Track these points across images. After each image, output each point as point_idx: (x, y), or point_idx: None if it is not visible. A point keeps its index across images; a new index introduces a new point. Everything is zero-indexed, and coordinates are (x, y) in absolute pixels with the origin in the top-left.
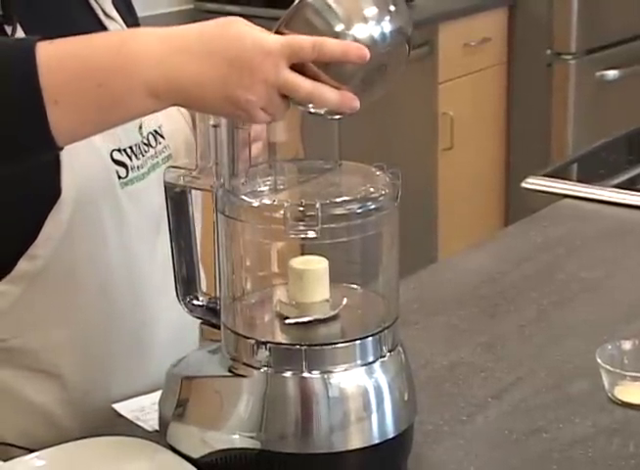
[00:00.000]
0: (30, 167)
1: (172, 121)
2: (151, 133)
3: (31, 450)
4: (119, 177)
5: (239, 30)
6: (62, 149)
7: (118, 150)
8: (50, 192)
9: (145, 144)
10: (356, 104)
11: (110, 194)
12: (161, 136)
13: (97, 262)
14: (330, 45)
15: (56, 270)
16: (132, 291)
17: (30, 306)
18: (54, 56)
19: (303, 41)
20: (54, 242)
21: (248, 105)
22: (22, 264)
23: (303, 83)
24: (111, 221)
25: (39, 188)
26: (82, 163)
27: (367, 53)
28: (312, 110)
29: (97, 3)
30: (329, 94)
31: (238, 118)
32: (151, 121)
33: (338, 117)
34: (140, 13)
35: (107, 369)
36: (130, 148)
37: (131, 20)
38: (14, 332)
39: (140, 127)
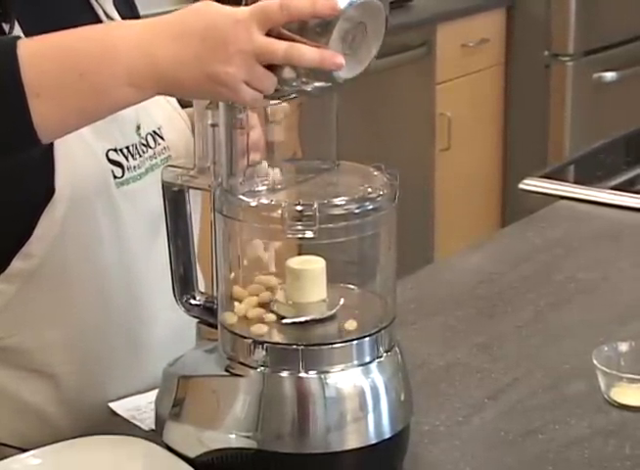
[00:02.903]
0: (17, 165)
1: (172, 123)
2: (149, 134)
3: (25, 450)
4: (115, 177)
5: (209, 9)
6: (44, 145)
7: (115, 150)
8: (44, 190)
9: (143, 145)
10: (339, 60)
11: (104, 193)
12: (161, 137)
13: (92, 261)
14: (297, 1)
15: (51, 269)
16: (129, 290)
17: (25, 305)
18: (36, 50)
19: (270, 4)
20: (48, 240)
21: (228, 78)
22: (17, 263)
23: (279, 44)
24: (106, 220)
25: (33, 186)
26: (77, 161)
27: (337, 3)
28: (300, 86)
29: (97, 3)
30: (307, 51)
31: (223, 97)
32: (150, 122)
33: (326, 86)
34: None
35: (103, 368)
36: (127, 148)
37: (133, 19)
38: (8, 331)
39: (138, 128)
